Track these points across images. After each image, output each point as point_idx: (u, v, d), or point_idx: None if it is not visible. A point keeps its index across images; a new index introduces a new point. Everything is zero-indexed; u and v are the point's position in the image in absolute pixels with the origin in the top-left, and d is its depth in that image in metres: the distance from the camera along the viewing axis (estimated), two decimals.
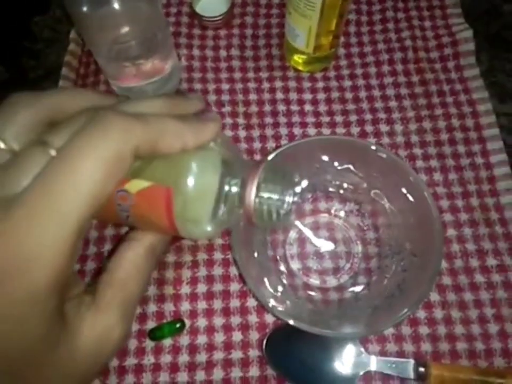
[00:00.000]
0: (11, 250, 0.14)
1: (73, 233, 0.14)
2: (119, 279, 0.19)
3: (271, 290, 0.32)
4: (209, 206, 0.20)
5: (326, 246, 0.38)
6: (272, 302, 0.30)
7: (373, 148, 0.34)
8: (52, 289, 0.15)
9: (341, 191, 0.39)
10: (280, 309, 0.30)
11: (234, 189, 0.21)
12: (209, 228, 0.21)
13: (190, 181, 0.18)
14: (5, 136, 0.17)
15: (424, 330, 0.35)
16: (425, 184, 0.39)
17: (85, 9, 0.33)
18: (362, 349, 0.34)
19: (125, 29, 0.37)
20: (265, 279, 0.33)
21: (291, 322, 0.29)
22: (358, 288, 0.36)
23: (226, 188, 0.20)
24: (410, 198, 0.34)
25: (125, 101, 0.19)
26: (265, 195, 0.21)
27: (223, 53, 0.47)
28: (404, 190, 0.34)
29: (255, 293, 0.31)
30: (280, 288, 0.34)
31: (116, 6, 0.34)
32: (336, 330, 0.30)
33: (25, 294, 0.14)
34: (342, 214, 0.39)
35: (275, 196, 0.21)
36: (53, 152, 0.16)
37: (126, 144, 0.15)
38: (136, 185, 0.17)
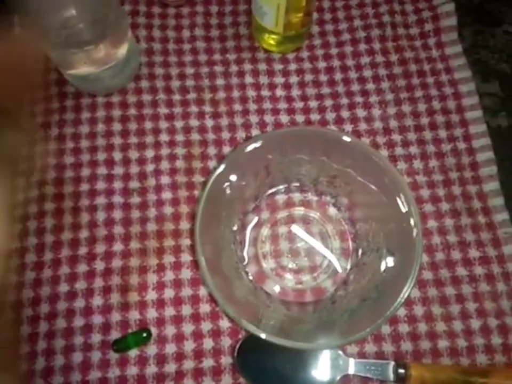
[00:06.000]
0: None
1: None
2: None
3: (240, 298, 0.30)
4: None
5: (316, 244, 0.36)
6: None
7: (347, 139, 0.32)
8: None
9: (316, 184, 0.36)
10: (250, 321, 0.28)
11: None
12: None
13: None
14: None
15: (404, 328, 0.34)
16: (403, 174, 0.37)
17: None
18: (340, 352, 0.32)
19: (72, 11, 0.33)
20: (234, 285, 0.31)
21: (263, 336, 0.27)
22: (334, 288, 0.34)
23: None
24: (387, 192, 0.32)
25: None
26: None
27: (186, 33, 0.43)
28: (380, 183, 0.32)
29: (221, 304, 0.28)
30: (250, 294, 0.32)
31: None
32: (312, 340, 0.28)
33: None
34: (317, 207, 0.37)
35: None
36: None
37: None
38: None
